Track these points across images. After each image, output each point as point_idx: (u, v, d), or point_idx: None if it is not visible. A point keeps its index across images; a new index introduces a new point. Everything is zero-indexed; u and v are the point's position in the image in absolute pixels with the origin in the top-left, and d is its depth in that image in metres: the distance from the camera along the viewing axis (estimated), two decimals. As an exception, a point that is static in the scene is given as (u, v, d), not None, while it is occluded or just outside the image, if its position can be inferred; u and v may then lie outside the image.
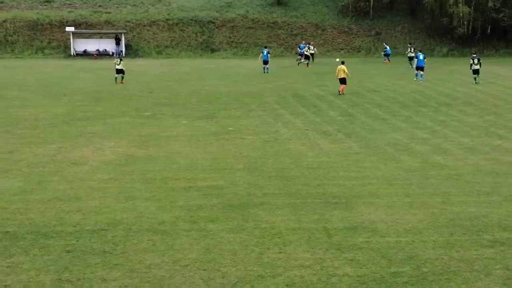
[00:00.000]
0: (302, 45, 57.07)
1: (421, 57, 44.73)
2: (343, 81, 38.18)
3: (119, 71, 43.23)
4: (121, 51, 62.42)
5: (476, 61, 41.88)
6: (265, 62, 49.40)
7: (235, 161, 21.88)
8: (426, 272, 12.59)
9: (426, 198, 17.66)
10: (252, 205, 16.94)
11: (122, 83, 43.05)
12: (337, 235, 14.68)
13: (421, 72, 44.27)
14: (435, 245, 14.06)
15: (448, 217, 16.00)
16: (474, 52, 48.29)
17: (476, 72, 41.73)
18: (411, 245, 14.04)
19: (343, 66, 38.41)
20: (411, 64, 52.37)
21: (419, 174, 20.24)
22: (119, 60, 43.78)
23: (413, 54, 52.22)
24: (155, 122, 29.27)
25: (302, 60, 54.58)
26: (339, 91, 37.93)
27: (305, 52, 54.79)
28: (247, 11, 70.60)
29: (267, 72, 48.94)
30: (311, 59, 55.10)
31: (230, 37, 67.07)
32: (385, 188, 18.66)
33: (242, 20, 69.24)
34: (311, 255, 13.48)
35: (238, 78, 46.21)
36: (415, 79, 44.49)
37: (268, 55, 49.72)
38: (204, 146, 24.36)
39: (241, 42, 66.37)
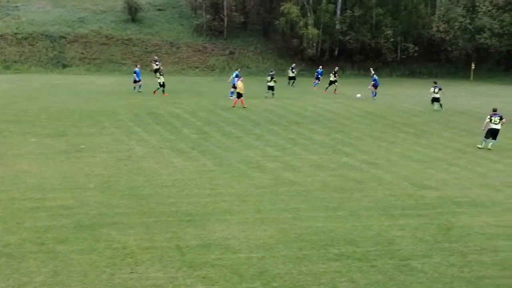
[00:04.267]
0: (320, 70, 55.55)
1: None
2: (240, 95, 40.62)
3: (162, 85, 46.28)
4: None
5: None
6: (136, 81, 47.14)
7: (87, 180, 21.37)
8: (276, 287, 12.93)
9: (277, 214, 18.14)
10: (104, 225, 16.62)
11: (164, 95, 45.63)
12: (190, 253, 14.73)
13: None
14: (285, 260, 14.47)
15: (298, 232, 16.53)
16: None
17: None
18: (262, 260, 14.36)
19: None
20: (290, 83, 54.86)
21: (270, 190, 20.76)
22: (159, 74, 47.44)
23: (293, 74, 54.30)
24: (1, 140, 27.95)
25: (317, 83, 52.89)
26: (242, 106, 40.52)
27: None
28: (101, 27, 69.34)
29: (139, 91, 47.00)
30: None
31: (82, 53, 65.49)
32: (237, 205, 18.97)
33: (95, 36, 67.88)
34: (164, 274, 13.43)
35: (91, 95, 45.17)
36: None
37: (134, 75, 47.40)
38: (54, 164, 23.59)
39: (94, 58, 64.99)
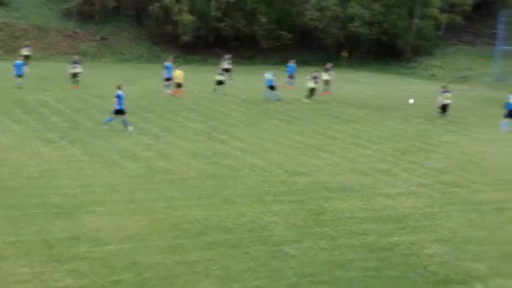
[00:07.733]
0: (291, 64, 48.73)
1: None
2: (179, 85, 39.90)
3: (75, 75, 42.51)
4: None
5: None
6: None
7: None
8: (148, 277, 12.71)
9: (150, 203, 17.88)
10: (-36, 219, 15.71)
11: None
12: (58, 246, 14.22)
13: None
14: (158, 250, 14.27)
15: (172, 221, 16.36)
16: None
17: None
18: (134, 251, 14.09)
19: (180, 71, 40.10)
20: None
21: (144, 179, 20.42)
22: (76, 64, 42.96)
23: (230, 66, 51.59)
24: None
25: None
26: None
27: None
28: (-39, 10, 65.60)
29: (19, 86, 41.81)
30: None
31: None
32: (109, 195, 18.52)
33: (-45, 19, 64.16)
34: (30, 269, 12.90)
35: (-48, 81, 42.55)
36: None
37: (14, 68, 42.44)
38: None
39: (-46, 44, 61.34)
